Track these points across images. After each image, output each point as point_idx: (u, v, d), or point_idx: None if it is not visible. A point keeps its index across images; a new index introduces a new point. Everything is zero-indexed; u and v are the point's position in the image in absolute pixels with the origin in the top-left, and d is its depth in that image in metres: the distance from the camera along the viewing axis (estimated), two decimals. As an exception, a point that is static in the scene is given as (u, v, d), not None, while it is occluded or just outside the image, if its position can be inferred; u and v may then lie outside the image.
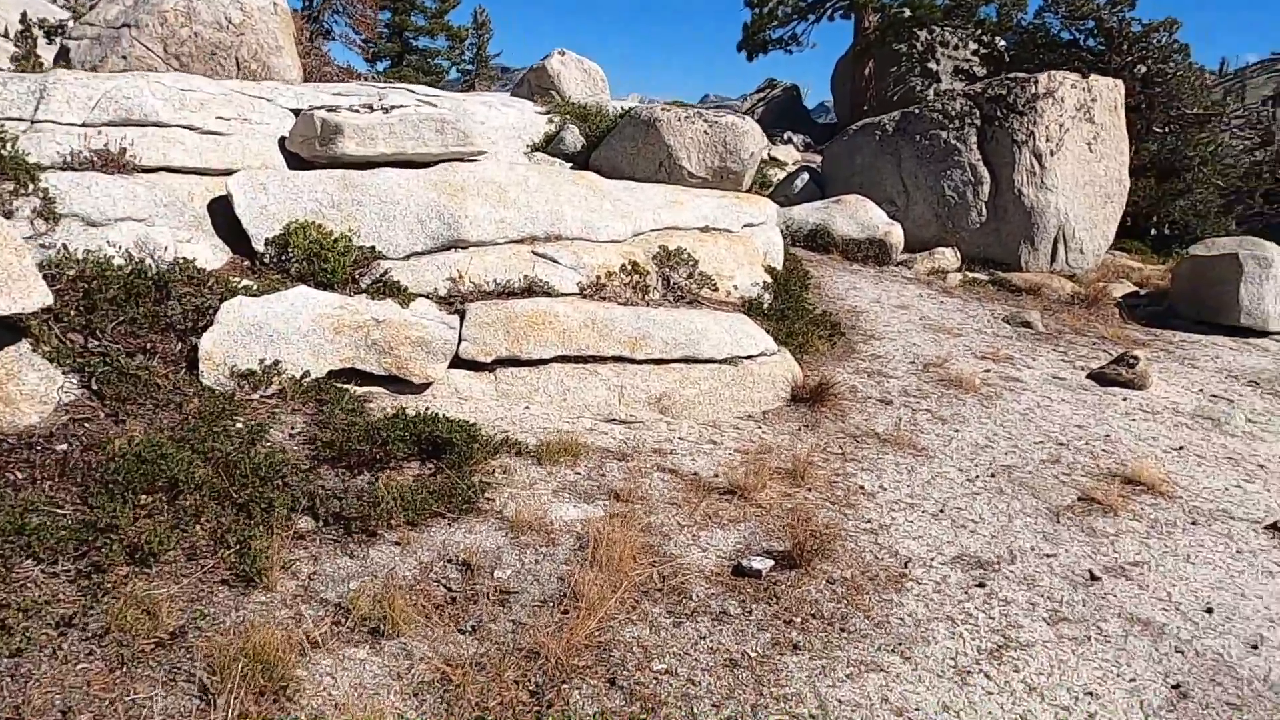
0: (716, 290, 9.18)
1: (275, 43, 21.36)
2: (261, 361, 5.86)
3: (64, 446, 4.68)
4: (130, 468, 4.51)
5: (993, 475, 6.58)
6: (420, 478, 5.40)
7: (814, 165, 17.80)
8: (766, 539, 5.26)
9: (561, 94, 16.31)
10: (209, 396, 5.53)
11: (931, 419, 7.64)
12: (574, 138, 12.28)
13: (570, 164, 11.90)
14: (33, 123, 6.65)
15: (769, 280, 9.86)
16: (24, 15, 19.23)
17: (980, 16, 24.83)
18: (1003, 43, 24.09)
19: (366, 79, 30.45)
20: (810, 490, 6.04)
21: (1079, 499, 6.29)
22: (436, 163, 8.06)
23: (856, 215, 13.48)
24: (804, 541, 5.05)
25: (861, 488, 6.19)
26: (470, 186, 7.90)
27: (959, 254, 13.47)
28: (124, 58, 19.49)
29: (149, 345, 5.62)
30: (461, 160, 8.21)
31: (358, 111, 7.67)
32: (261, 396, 5.83)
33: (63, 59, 20.58)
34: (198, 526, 4.46)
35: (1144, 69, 21.50)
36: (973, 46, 25.18)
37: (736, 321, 8.12)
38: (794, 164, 21.18)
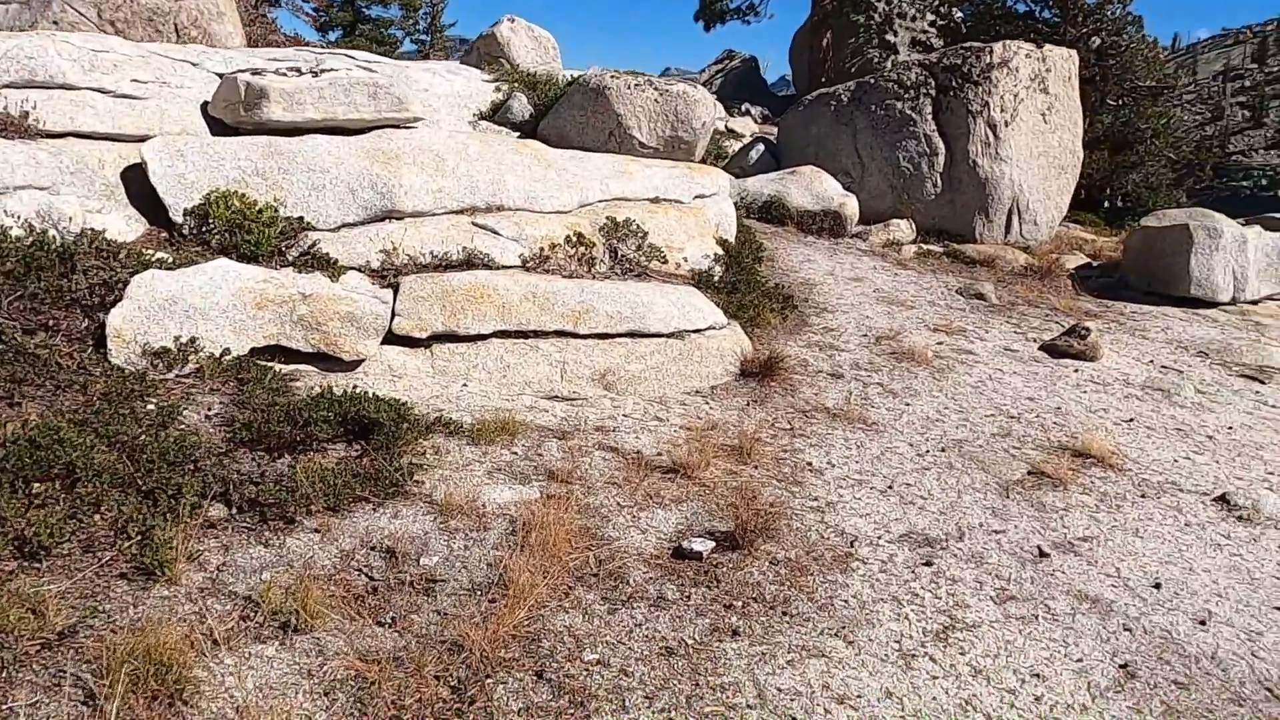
0: (666, 263, 8.95)
1: (216, 9, 20.60)
2: (177, 339, 5.52)
3: (-51, 432, 4.34)
4: (22, 454, 4.19)
5: (943, 450, 6.45)
6: (345, 460, 5.12)
7: (770, 137, 17.59)
8: (709, 519, 5.07)
9: (511, 62, 15.88)
10: (117, 377, 5.20)
11: (883, 393, 7.50)
12: (521, 106, 11.93)
13: (518, 133, 11.55)
14: (-79, 84, 6.21)
15: (720, 253, 9.64)
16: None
17: (937, -13, 24.67)
18: (960, 14, 24.01)
19: (314, 47, 29.61)
20: (756, 468, 5.85)
21: (1029, 473, 6.18)
22: (370, 129, 7.70)
23: (812, 187, 13.30)
24: (747, 521, 4.87)
25: (809, 464, 6.02)
26: (406, 154, 7.56)
27: (914, 226, 13.36)
28: (54, 23, 18.67)
29: (51, 322, 5.26)
30: (398, 127, 7.85)
31: (285, 75, 7.28)
32: (177, 376, 5.50)
33: (-11, 24, 19.58)
34: (96, 516, 4.15)
35: (1098, 41, 21.52)
36: (930, 18, 25.08)
37: (685, 294, 7.90)
38: (751, 135, 20.95)
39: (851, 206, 13.07)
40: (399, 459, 5.15)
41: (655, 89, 10.90)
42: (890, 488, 5.77)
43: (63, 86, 6.73)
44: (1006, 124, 13.11)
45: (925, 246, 12.85)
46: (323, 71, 7.44)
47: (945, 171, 13.29)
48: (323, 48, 29.38)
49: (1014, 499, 5.77)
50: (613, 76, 11.01)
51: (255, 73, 7.31)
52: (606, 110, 10.76)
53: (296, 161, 7.02)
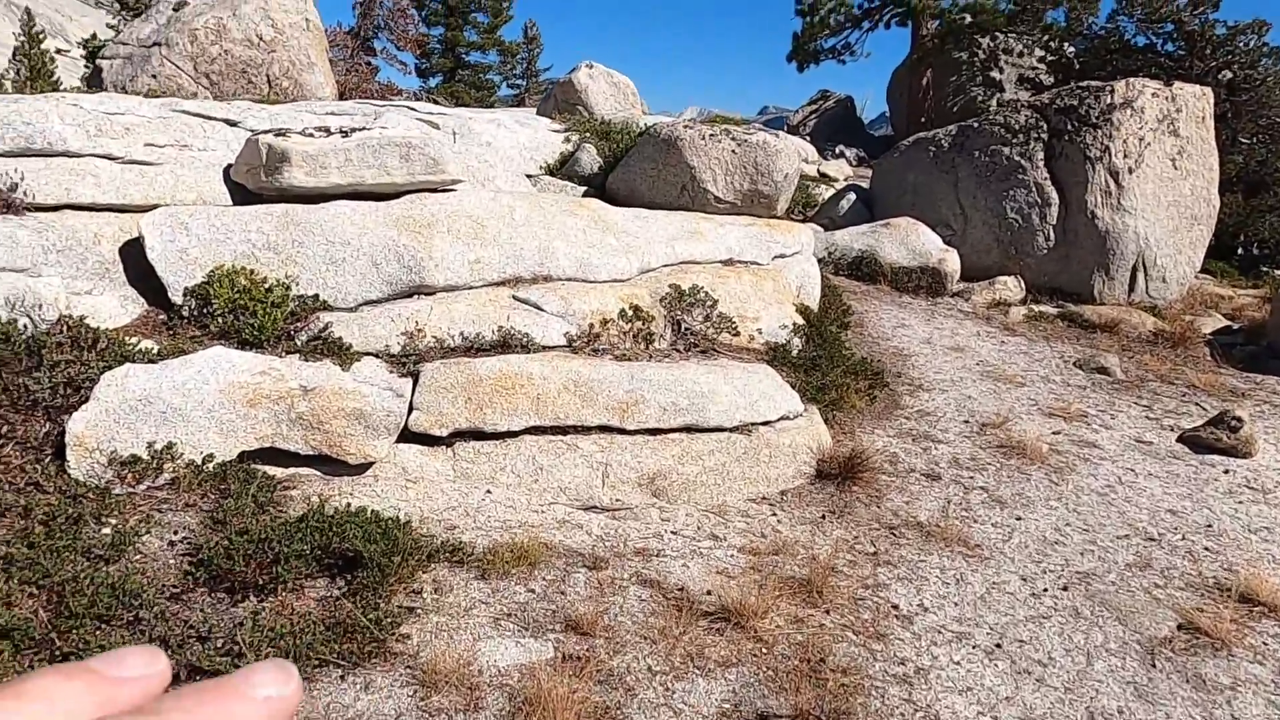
0: (737, 335, 7.94)
1: (307, 59, 20.65)
2: (150, 445, 4.79)
3: None
4: (-85, 610, 3.45)
5: (1065, 588, 5.21)
6: (324, 602, 4.26)
7: (864, 183, 16.45)
8: (765, 695, 4.00)
9: (589, 109, 15.26)
10: (72, 495, 4.47)
11: (988, 501, 6.28)
12: (590, 158, 11.17)
13: (585, 187, 10.79)
14: (-90, 154, 5.75)
15: (800, 321, 8.57)
16: (27, 18, 18.77)
17: (1047, 21, 23.16)
18: (1072, 49, 22.42)
19: (407, 94, 29.89)
20: (829, 612, 4.75)
21: (1179, 626, 4.89)
22: (403, 194, 6.98)
23: (907, 240, 12.12)
24: (811, 703, 3.79)
25: (895, 607, 4.88)
26: (440, 222, 6.78)
27: (1023, 284, 12.01)
28: (153, 76, 18.93)
29: (6, 428, 4.59)
30: (434, 191, 7.12)
31: (312, 136, 6.62)
32: (148, 489, 4.76)
33: (96, 79, 20.12)
34: (-7, 693, 3.36)
35: (1229, 75, 19.71)
36: (1039, 53, 23.56)
37: (755, 378, 6.85)
38: (845, 180, 19.82)
39: (952, 262, 11.82)
40: (387, 602, 4.27)
41: (732, 139, 9.96)
42: (999, 646, 4.58)
43: (62, 154, 6.21)
44: (1130, 170, 11.67)
45: (1036, 308, 11.48)
46: (352, 131, 6.75)
47: (1059, 224, 11.91)
48: (413, 95, 29.58)
49: (1162, 668, 4.51)
50: (685, 126, 10.14)
51: (279, 134, 6.68)
52: (679, 163, 9.89)
53: (314, 232, 6.31)
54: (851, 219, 14.01)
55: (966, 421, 7.73)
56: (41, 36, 25.81)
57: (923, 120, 24.64)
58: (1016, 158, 12.23)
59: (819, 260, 10.53)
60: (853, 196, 14.70)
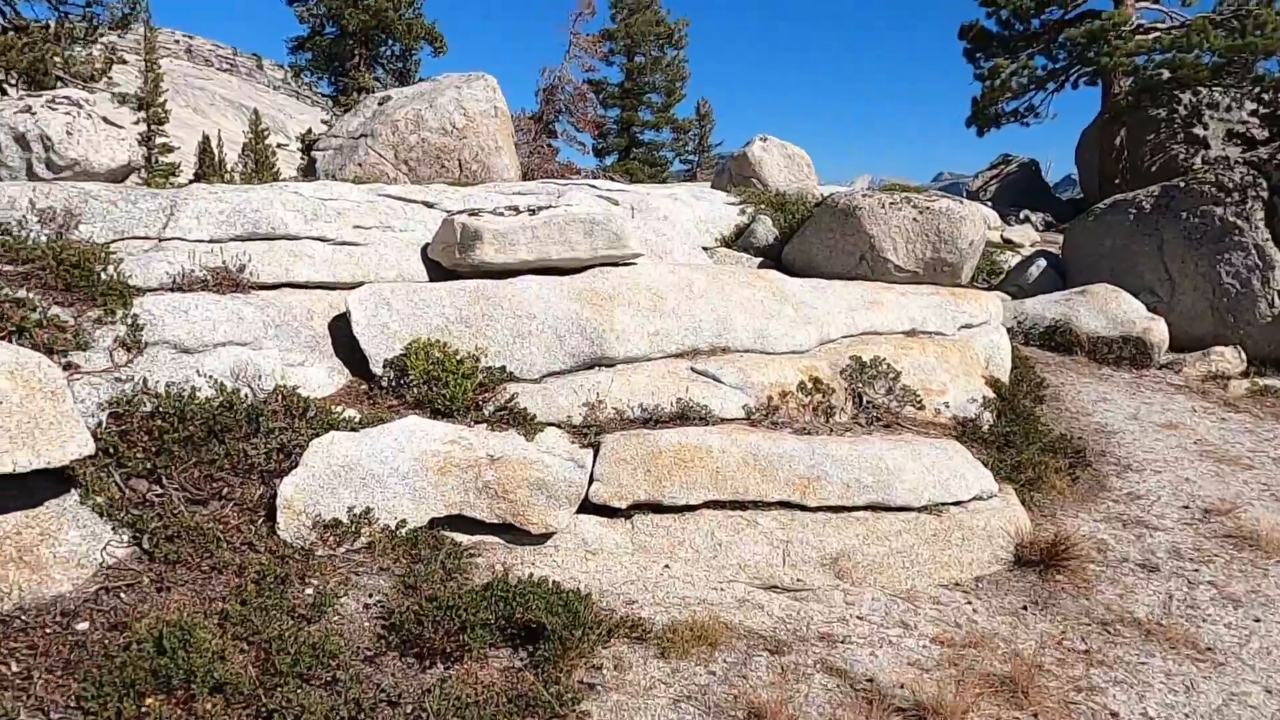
0: (922, 409, 7.59)
1: (495, 144, 22.01)
2: (350, 510, 5.03)
3: (84, 625, 3.98)
4: (143, 659, 3.71)
5: (1322, 704, 4.54)
6: (507, 672, 4.28)
7: (1053, 249, 15.63)
8: (966, 805, 3.66)
9: (763, 182, 15.33)
10: (280, 555, 4.74)
11: (1218, 598, 5.62)
12: (765, 230, 11.17)
13: (761, 258, 10.77)
14: (160, 240, 6.40)
15: (990, 395, 8.12)
16: (255, 117, 20.87)
17: (1258, 73, 21.49)
18: (1289, 100, 20.70)
19: (585, 173, 31.21)
20: (1037, 716, 4.33)
21: None
22: (587, 268, 7.17)
23: (1106, 308, 11.34)
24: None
25: (1115, 715, 4.39)
26: (621, 295, 6.91)
27: (1242, 354, 10.95)
28: (359, 164, 20.67)
29: (226, 490, 4.95)
30: (614, 265, 7.27)
31: (501, 215, 6.94)
32: (347, 552, 4.98)
33: (311, 168, 22.16)
34: (204, 745, 3.55)
35: None
36: (1250, 106, 21.87)
37: (943, 455, 6.50)
38: (1031, 246, 18.92)
39: (1158, 331, 10.94)
40: (568, 676, 4.24)
41: (913, 206, 9.70)
42: (1243, 769, 4.02)
43: (284, 237, 6.79)
44: (1371, 229, 10.50)
45: (1261, 381, 10.41)
46: (539, 209, 7.03)
47: (1285, 289, 10.82)
48: (590, 174, 30.84)
49: None
50: (864, 195, 9.97)
51: (472, 213, 7.04)
52: (857, 232, 9.70)
53: (502, 306, 6.56)
54: (1042, 286, 13.30)
55: (1186, 507, 7.01)
56: (266, 133, 28.75)
57: (1116, 182, 23.28)
58: (1231, 218, 11.28)
59: (1007, 330, 10.00)
60: (1043, 263, 13.98)
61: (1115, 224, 12.56)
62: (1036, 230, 22.10)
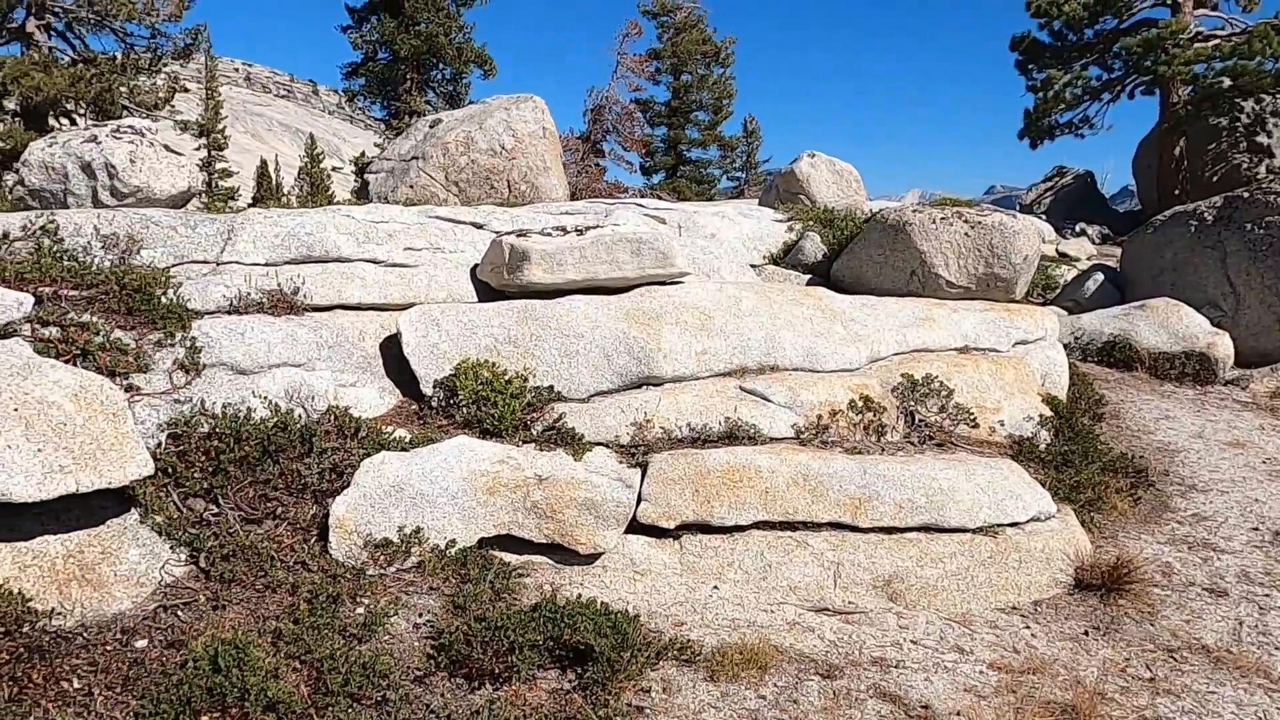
0: (976, 427, 7.44)
1: (543, 164, 22.25)
2: (400, 529, 5.08)
3: (143, 643, 4.06)
4: (198, 677, 3.77)
5: (1406, 738, 4.33)
6: (555, 695, 4.27)
7: (1111, 262, 15.29)
8: (1027, 838, 3.55)
9: (811, 198, 15.24)
10: (332, 574, 4.79)
11: (1291, 625, 5.40)
12: (814, 247, 11.08)
13: (810, 275, 10.68)
14: (218, 264, 6.57)
15: (1047, 413, 7.93)
16: (311, 142, 21.30)
17: (1325, 78, 20.84)
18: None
19: (633, 191, 31.35)
20: (1100, 746, 4.19)
21: None
22: (634, 288, 7.18)
23: (1168, 323, 11.02)
24: None
25: (1183, 747, 4.23)
26: (668, 313, 6.90)
27: (1314, 370, 10.54)
28: (411, 187, 21.06)
29: (280, 510, 5.03)
30: (662, 283, 7.27)
31: (550, 235, 6.99)
32: (397, 571, 5.02)
33: (363, 191, 22.66)
34: (259, 763, 3.59)
35: None
36: (1317, 113, 21.21)
37: (999, 474, 6.36)
38: (1088, 260, 18.52)
39: (1223, 346, 10.61)
40: (617, 699, 4.21)
41: (965, 221, 9.55)
42: (1322, 806, 3.84)
43: (337, 260, 6.91)
44: None
45: (1334, 397, 10.01)
46: (587, 229, 7.07)
47: (1358, 301, 10.44)
48: (637, 192, 30.95)
49: None
50: (914, 211, 9.85)
51: (521, 234, 7.11)
52: (907, 248, 9.57)
53: (550, 326, 6.59)
54: (1099, 301, 12.99)
55: (1255, 529, 6.76)
56: (321, 157, 29.40)
57: (1176, 192, 22.71)
58: (1299, 229, 10.91)
59: (1064, 346, 9.77)
60: (1100, 277, 13.66)
61: (1176, 236, 12.24)
62: (1093, 243, 21.62)
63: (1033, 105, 24.97)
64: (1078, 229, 23.95)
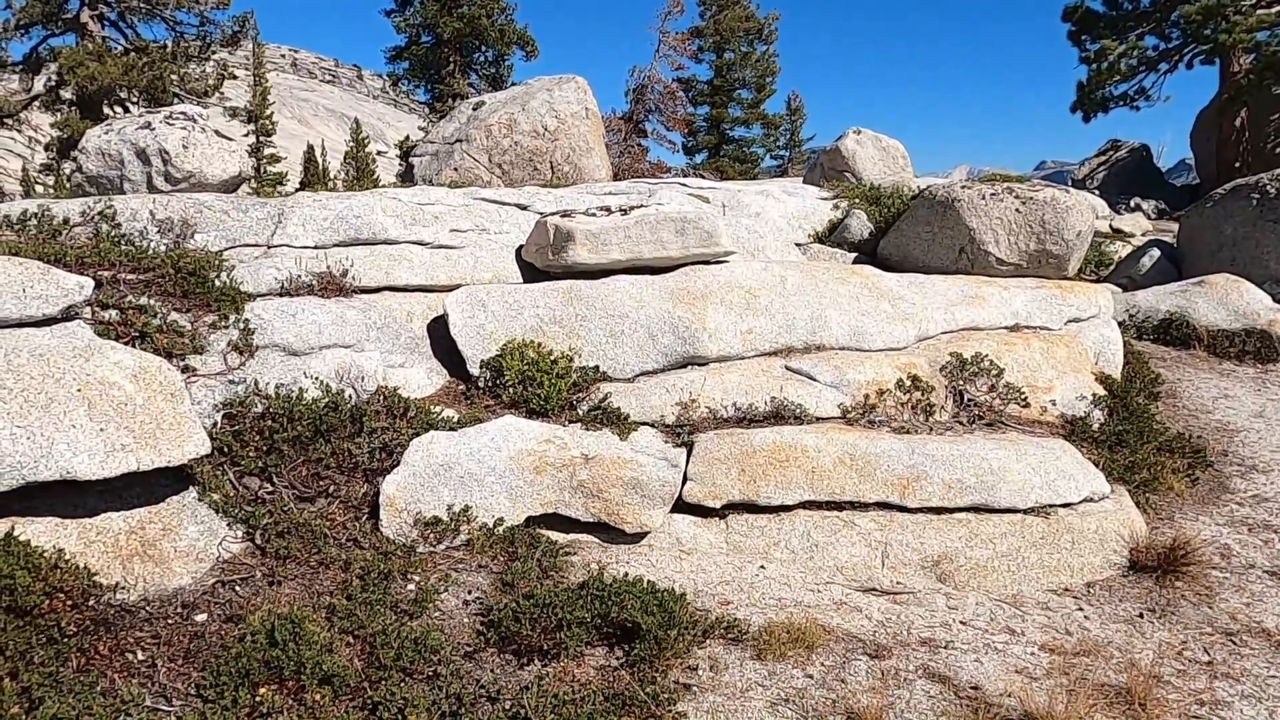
0: (1027, 406, 7.32)
1: (586, 145, 22.23)
2: (449, 507, 5.14)
3: (203, 617, 4.17)
4: (256, 651, 3.86)
5: None
6: (602, 671, 4.30)
7: (1167, 237, 14.89)
8: (1079, 821, 3.51)
9: (857, 175, 15.04)
10: (383, 551, 4.87)
11: (1357, 609, 5.25)
12: (860, 224, 10.94)
13: (856, 254, 10.56)
14: (269, 247, 6.67)
15: (1101, 392, 7.78)
16: (356, 126, 21.49)
17: (1397, 43, 20.03)
18: None
19: (675, 171, 31.18)
20: (1155, 729, 4.12)
21: None
22: (678, 267, 7.15)
23: (1227, 300, 10.71)
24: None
25: (1242, 731, 4.15)
26: (713, 293, 6.87)
27: (1382, 348, 10.18)
28: (455, 169, 21.18)
29: (332, 488, 5.12)
30: (706, 263, 7.24)
31: (594, 216, 6.99)
32: (447, 549, 5.09)
33: (408, 174, 22.84)
34: (315, 735, 3.67)
35: None
36: (1387, 80, 20.41)
37: (1051, 454, 6.25)
38: (1143, 235, 18.05)
39: (1286, 324, 10.28)
40: (664, 676, 4.24)
41: (1016, 197, 9.36)
42: (1388, 793, 3.74)
43: (384, 242, 6.98)
44: None
45: (1403, 376, 9.67)
46: (631, 209, 7.05)
47: None
48: (680, 172, 30.81)
49: None
50: (963, 187, 9.67)
51: (565, 215, 7.12)
52: (956, 224, 9.41)
53: (595, 306, 6.60)
54: (1155, 278, 12.66)
55: (1319, 510, 6.57)
56: (366, 141, 29.67)
57: (1237, 165, 22.03)
58: (1367, 201, 10.53)
59: (1118, 324, 9.55)
60: (1156, 253, 13.31)
61: (1236, 210, 11.87)
62: (1148, 219, 21.07)
63: (1086, 77, 24.36)
64: (1132, 204, 23.37)
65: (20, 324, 4.64)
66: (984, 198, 9.39)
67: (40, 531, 4.20)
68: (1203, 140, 25.71)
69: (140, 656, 3.87)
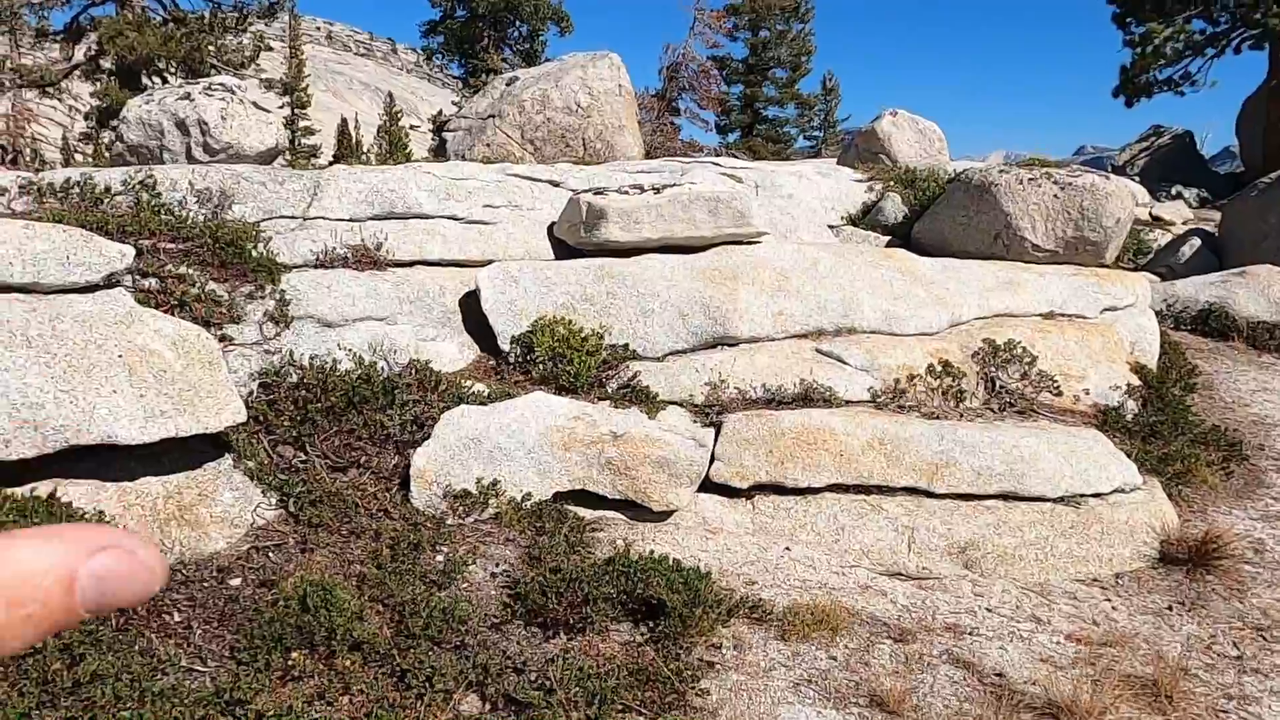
0: (1060, 395, 7.25)
1: (619, 122, 22.14)
2: (479, 481, 5.19)
3: (237, 582, 4.25)
4: (289, 616, 3.94)
5: None
6: (627, 646, 4.35)
7: (1209, 226, 14.62)
8: (1101, 810, 3.51)
9: (892, 157, 14.88)
10: (413, 522, 4.94)
11: (1392, 608, 5.18)
12: (894, 207, 10.83)
13: (889, 237, 10.47)
14: (304, 219, 6.72)
15: (1135, 382, 7.69)
16: (389, 100, 21.52)
17: None
18: None
19: (708, 150, 30.98)
20: (1181, 722, 4.10)
21: None
22: (710, 247, 7.13)
23: (1269, 290, 10.52)
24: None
25: (1269, 726, 4.12)
26: (745, 273, 6.85)
27: None
28: (488, 145, 21.19)
29: (364, 459, 5.18)
30: (739, 243, 7.21)
31: (627, 194, 6.98)
32: (475, 521, 5.14)
33: (441, 149, 22.87)
34: (345, 699, 3.75)
35: None
36: None
37: (1083, 442, 6.20)
38: (1184, 224, 17.72)
39: (1329, 317, 10.08)
40: (688, 653, 4.28)
41: (1054, 182, 9.22)
42: None
43: (418, 216, 7.01)
44: None
45: None
46: (664, 188, 7.03)
47: None
48: (713, 151, 30.63)
49: None
50: (1000, 171, 9.54)
51: (597, 192, 7.11)
52: (992, 209, 9.30)
53: (626, 284, 6.61)
54: (1195, 267, 12.46)
55: (1356, 507, 6.47)
56: (400, 115, 29.72)
57: (1283, 154, 21.52)
58: None
59: (1155, 314, 9.42)
60: (1196, 242, 13.10)
61: (1281, 200, 11.64)
62: (1190, 207, 20.67)
63: (1130, 61, 23.86)
64: (1174, 192, 22.92)
65: (64, 290, 4.73)
66: (1021, 182, 9.27)
67: (81, 494, 4.30)
68: (1249, 127, 25.12)
69: (177, 618, 3.96)
